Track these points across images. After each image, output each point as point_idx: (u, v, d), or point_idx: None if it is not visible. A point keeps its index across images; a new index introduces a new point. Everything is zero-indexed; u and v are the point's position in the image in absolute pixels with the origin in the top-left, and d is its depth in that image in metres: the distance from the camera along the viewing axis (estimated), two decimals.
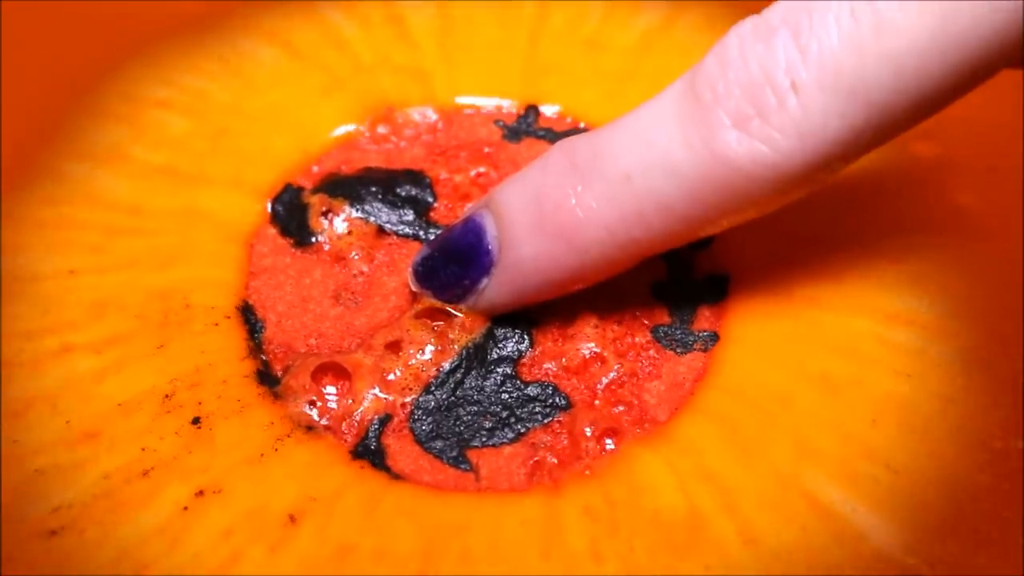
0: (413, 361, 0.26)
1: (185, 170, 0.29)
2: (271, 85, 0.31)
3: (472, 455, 0.24)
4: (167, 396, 0.25)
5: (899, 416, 0.24)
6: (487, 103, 0.31)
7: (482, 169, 0.30)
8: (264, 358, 0.26)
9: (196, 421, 0.24)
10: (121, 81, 0.31)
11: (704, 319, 0.27)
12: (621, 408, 0.25)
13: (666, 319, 0.27)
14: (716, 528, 0.22)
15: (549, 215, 0.23)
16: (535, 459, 0.24)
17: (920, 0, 0.19)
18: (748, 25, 0.21)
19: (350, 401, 0.25)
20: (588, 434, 0.24)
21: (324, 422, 0.25)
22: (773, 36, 0.21)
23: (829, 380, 0.25)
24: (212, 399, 0.25)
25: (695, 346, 0.26)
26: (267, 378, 0.26)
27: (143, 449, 0.24)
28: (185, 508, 0.23)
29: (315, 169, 0.30)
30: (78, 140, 0.30)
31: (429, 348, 0.26)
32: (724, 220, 0.23)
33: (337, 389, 0.25)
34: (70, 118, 0.30)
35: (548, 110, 0.31)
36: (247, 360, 0.26)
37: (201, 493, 0.23)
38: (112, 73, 0.31)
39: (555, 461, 0.24)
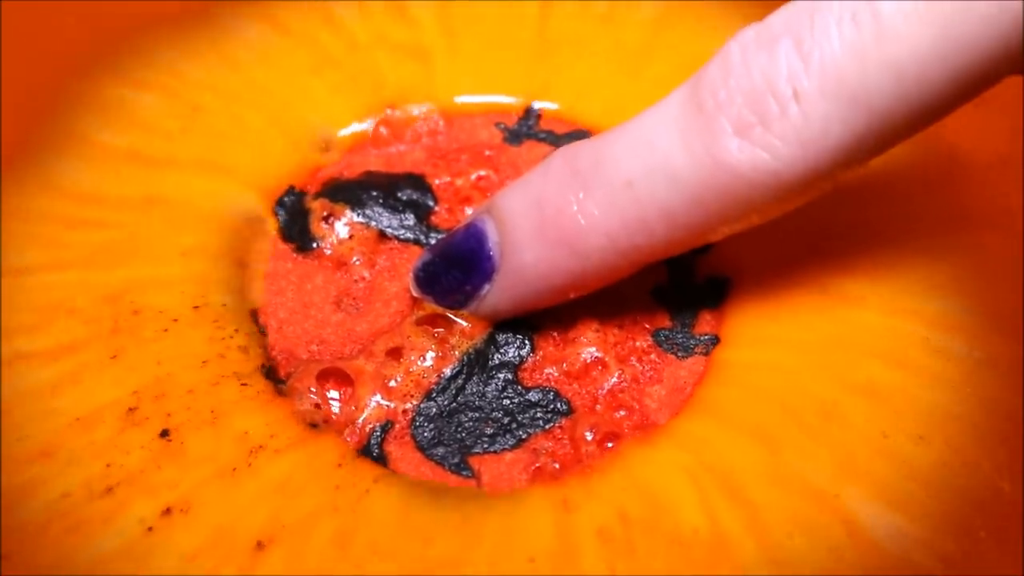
0: (414, 368, 0.26)
1: (155, 154, 0.28)
2: (262, 66, 0.30)
3: (474, 462, 0.24)
4: (131, 409, 0.24)
5: (932, 428, 0.23)
6: (488, 98, 0.31)
7: (483, 172, 0.29)
8: (270, 361, 0.26)
9: (165, 434, 0.23)
10: (96, 66, 0.30)
11: (705, 322, 0.27)
12: (623, 413, 0.25)
13: (667, 323, 0.27)
14: (738, 548, 0.22)
15: (551, 221, 0.23)
16: (537, 465, 0.24)
17: (922, 7, 0.19)
18: (750, 32, 0.21)
19: (353, 408, 0.25)
20: (589, 439, 0.24)
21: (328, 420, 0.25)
22: (775, 44, 0.21)
23: (839, 385, 0.24)
24: (181, 410, 0.24)
25: (696, 350, 0.26)
26: (272, 375, 0.25)
27: (108, 465, 0.23)
28: (150, 528, 0.22)
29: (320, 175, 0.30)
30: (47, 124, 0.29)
31: (430, 354, 0.26)
32: (726, 227, 0.23)
33: (340, 395, 0.25)
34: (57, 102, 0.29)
35: (549, 107, 0.31)
36: (209, 365, 0.25)
37: (168, 511, 0.22)
38: (90, 58, 0.30)
39: (557, 466, 0.24)
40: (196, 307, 0.26)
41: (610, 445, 0.24)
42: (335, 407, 0.25)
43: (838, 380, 0.24)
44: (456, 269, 0.25)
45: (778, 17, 0.21)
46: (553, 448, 0.25)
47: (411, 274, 0.26)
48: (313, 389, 0.25)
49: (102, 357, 0.25)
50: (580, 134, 0.30)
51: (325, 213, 0.29)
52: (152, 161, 0.28)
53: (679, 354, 0.26)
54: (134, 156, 0.28)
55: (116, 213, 0.27)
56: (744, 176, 0.21)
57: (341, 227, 0.28)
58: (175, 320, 0.25)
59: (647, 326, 0.27)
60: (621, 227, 0.23)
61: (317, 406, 0.25)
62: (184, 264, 0.27)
